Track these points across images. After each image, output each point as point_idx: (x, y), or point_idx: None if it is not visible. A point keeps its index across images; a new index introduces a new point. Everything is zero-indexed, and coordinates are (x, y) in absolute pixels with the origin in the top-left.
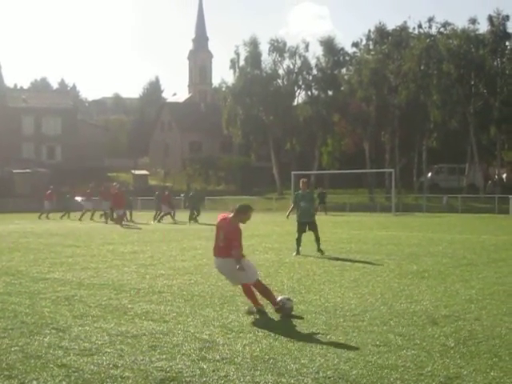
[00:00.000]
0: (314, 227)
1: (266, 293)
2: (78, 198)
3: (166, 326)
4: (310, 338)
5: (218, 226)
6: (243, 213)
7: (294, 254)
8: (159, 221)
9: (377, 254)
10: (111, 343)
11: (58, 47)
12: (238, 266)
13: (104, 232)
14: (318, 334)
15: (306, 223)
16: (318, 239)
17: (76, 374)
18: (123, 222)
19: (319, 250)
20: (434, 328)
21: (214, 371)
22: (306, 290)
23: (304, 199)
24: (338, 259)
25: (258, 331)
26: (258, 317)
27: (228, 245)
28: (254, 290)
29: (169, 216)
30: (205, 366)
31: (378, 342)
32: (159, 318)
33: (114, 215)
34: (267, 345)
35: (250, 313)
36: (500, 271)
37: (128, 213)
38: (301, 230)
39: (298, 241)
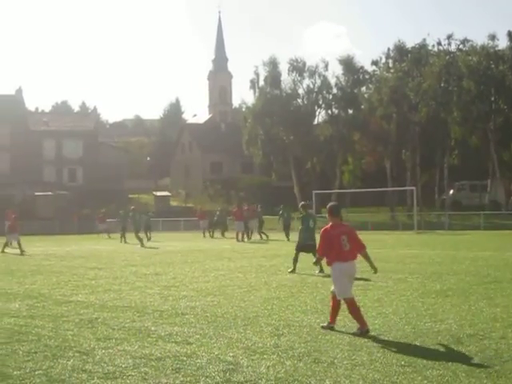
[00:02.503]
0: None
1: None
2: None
3: (189, 348)
4: (334, 359)
5: (336, 232)
6: (341, 212)
7: (290, 270)
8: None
9: (399, 273)
10: (135, 366)
11: (79, 70)
12: (374, 268)
13: (126, 254)
14: (343, 354)
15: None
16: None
17: None
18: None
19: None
20: (459, 347)
21: None
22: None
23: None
24: (360, 278)
25: (282, 352)
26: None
27: (354, 247)
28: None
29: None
30: None
31: (403, 362)
32: (182, 340)
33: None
34: (291, 366)
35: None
36: None
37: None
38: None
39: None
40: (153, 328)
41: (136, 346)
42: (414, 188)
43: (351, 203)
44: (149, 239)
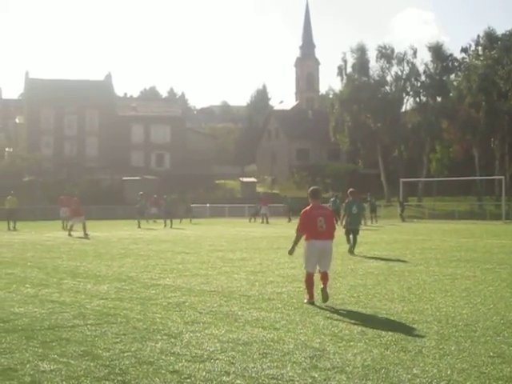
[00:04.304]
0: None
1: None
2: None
3: (276, 334)
4: (421, 348)
5: (315, 214)
6: (321, 195)
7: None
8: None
9: (487, 263)
10: (222, 350)
11: (167, 56)
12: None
13: (213, 239)
14: (430, 343)
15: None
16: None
17: (188, 380)
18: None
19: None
20: None
21: (325, 380)
22: (417, 298)
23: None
24: (448, 268)
25: (369, 340)
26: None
27: (329, 228)
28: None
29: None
30: (316, 375)
31: (491, 353)
32: (269, 325)
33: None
34: (378, 354)
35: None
36: None
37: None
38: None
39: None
40: (240, 313)
41: (223, 331)
42: (502, 177)
43: (438, 192)
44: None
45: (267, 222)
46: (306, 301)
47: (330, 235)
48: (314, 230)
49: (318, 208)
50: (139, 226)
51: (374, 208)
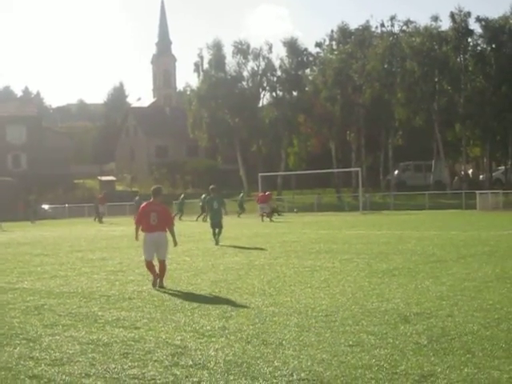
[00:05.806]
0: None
1: (163, 271)
2: (46, 206)
3: (137, 333)
4: (282, 341)
5: (148, 209)
6: (161, 193)
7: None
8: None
9: (346, 254)
10: (82, 352)
11: (21, 55)
12: (175, 242)
13: (72, 240)
14: (291, 335)
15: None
16: (219, 234)
17: None
18: None
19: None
20: (407, 326)
21: (186, 377)
22: (277, 291)
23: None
24: (307, 260)
25: (230, 335)
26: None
27: (162, 222)
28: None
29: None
30: (178, 372)
31: (350, 342)
32: (130, 324)
33: None
34: (240, 349)
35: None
36: (469, 267)
37: None
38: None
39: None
40: (100, 313)
41: (83, 332)
42: (359, 169)
43: (297, 185)
44: None
45: (100, 222)
46: (151, 280)
47: (162, 228)
48: (147, 223)
49: (154, 205)
50: None
51: (241, 203)
